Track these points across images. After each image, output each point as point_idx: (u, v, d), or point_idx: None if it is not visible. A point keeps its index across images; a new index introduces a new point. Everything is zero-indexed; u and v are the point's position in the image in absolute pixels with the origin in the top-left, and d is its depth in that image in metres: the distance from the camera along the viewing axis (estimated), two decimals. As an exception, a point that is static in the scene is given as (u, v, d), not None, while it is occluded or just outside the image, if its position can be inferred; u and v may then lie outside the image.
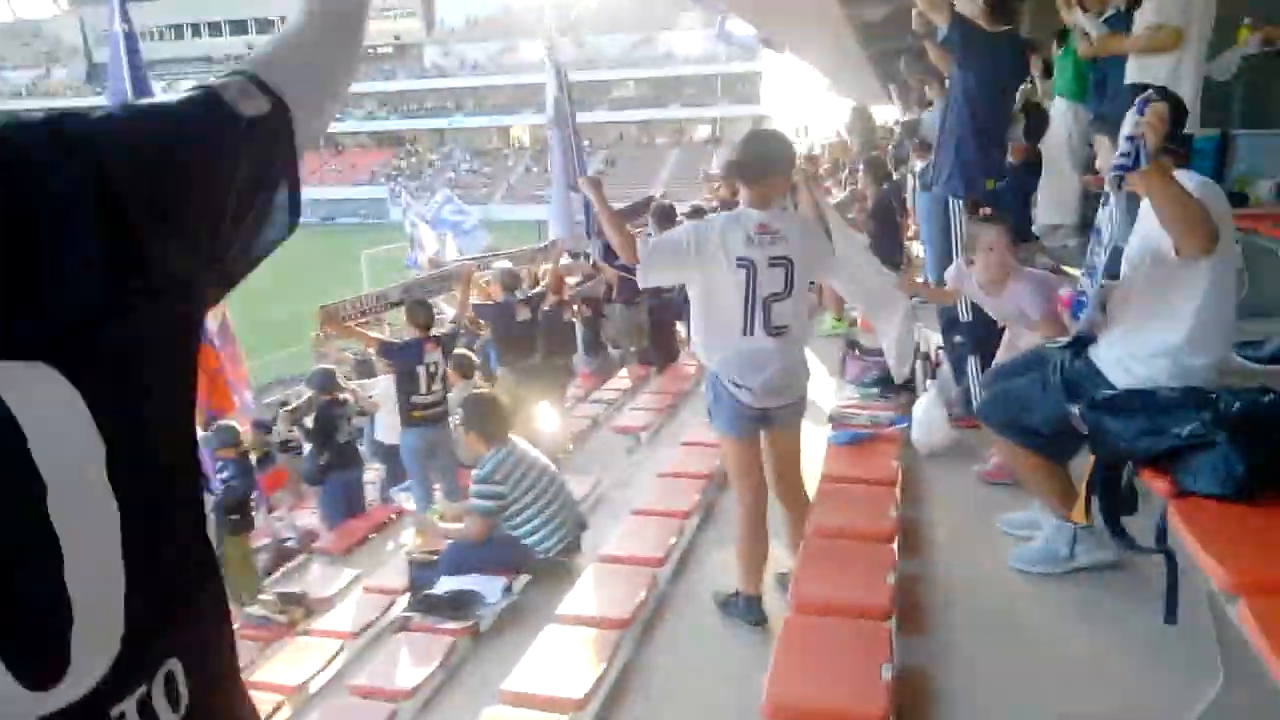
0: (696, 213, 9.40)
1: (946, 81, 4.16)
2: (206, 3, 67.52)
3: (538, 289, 7.04)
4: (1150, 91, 2.16)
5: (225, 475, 5.87)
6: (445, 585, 3.93)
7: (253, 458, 6.74)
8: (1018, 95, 4.11)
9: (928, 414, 3.69)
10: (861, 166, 7.56)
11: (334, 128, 63.45)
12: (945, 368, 4.14)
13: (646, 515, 3.92)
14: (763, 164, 2.81)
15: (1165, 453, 2.13)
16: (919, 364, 4.26)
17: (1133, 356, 2.43)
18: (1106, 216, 2.45)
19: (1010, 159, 4.05)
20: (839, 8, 10.31)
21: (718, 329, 2.83)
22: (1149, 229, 2.37)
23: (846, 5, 10.20)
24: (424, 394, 6.09)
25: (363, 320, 6.43)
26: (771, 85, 53.73)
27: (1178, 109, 2.46)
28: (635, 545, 3.62)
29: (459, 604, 3.74)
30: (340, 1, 0.98)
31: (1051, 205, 6.35)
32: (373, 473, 8.20)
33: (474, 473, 4.11)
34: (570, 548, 4.15)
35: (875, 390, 4.25)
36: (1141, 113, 2.10)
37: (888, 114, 22.60)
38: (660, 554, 3.49)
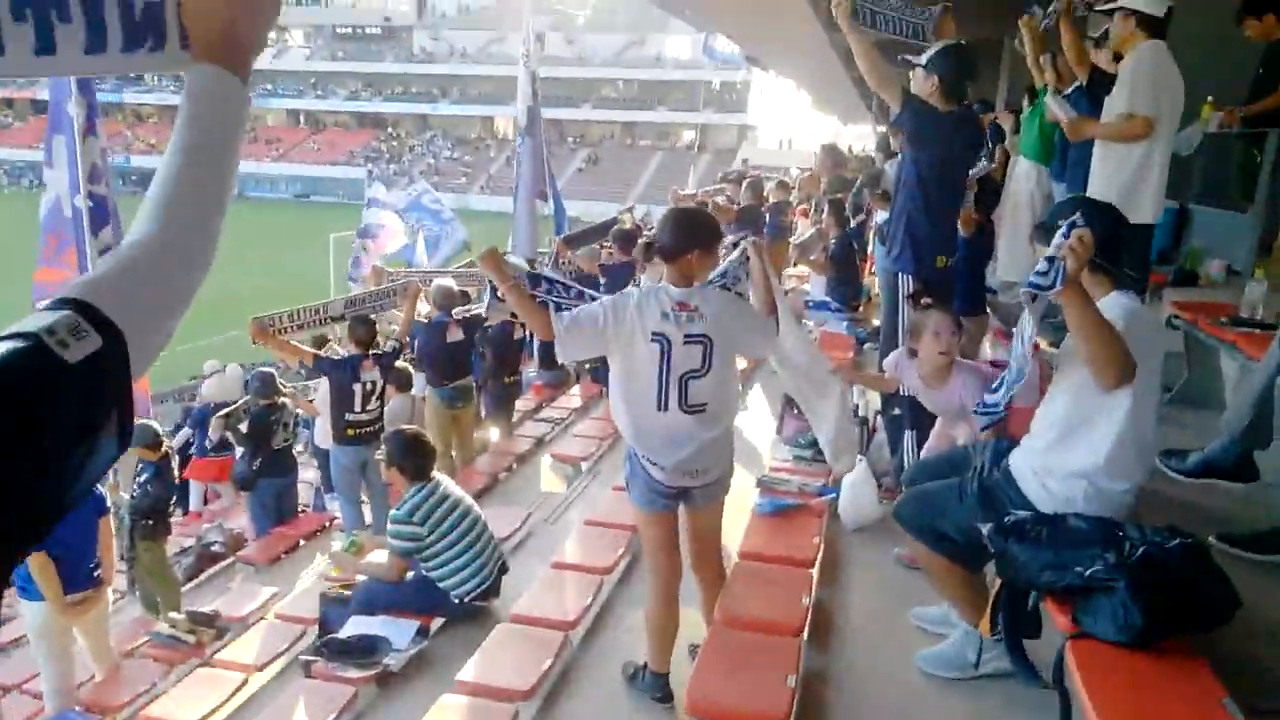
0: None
1: None
2: None
3: (476, 309, 6.90)
4: (1079, 216, 2.10)
5: (142, 478, 5.69)
6: (353, 627, 3.81)
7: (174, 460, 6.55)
8: (973, 171, 4.07)
9: (856, 488, 3.63)
10: (826, 206, 7.52)
11: (315, 105, 62.93)
12: (880, 435, 4.09)
13: (566, 569, 3.82)
14: (685, 242, 2.74)
15: (1067, 588, 2.08)
16: (859, 430, 4.20)
17: (1050, 472, 2.38)
18: (1023, 325, 2.40)
19: (960, 231, 4.00)
20: (822, 32, 10.32)
21: (633, 403, 2.74)
22: (1069, 354, 2.32)
23: (830, 31, 10.22)
24: (358, 412, 5.95)
25: (299, 333, 6.23)
26: (759, 96, 53.96)
27: (1116, 228, 2.42)
28: (549, 604, 3.52)
29: (365, 650, 3.62)
30: (191, 219, 0.91)
31: (1010, 262, 6.34)
32: (313, 472, 8.06)
33: (392, 512, 3.99)
34: (489, 592, 4.05)
35: (809, 452, 4.19)
36: (1066, 235, 2.05)
37: (867, 133, 22.88)
38: (573, 616, 3.40)
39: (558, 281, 3.32)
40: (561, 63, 58.06)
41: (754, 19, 11.83)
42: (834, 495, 3.75)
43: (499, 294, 2.96)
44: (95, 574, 4.22)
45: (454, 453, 6.93)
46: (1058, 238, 2.07)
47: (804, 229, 9.31)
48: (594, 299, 3.04)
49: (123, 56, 0.97)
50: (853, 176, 9.60)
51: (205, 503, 8.72)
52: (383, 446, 5.95)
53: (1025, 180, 6.28)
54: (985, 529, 2.28)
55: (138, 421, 6.10)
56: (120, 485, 6.10)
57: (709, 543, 2.97)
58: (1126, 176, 3.84)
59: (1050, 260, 2.06)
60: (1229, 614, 1.99)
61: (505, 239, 14.67)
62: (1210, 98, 5.65)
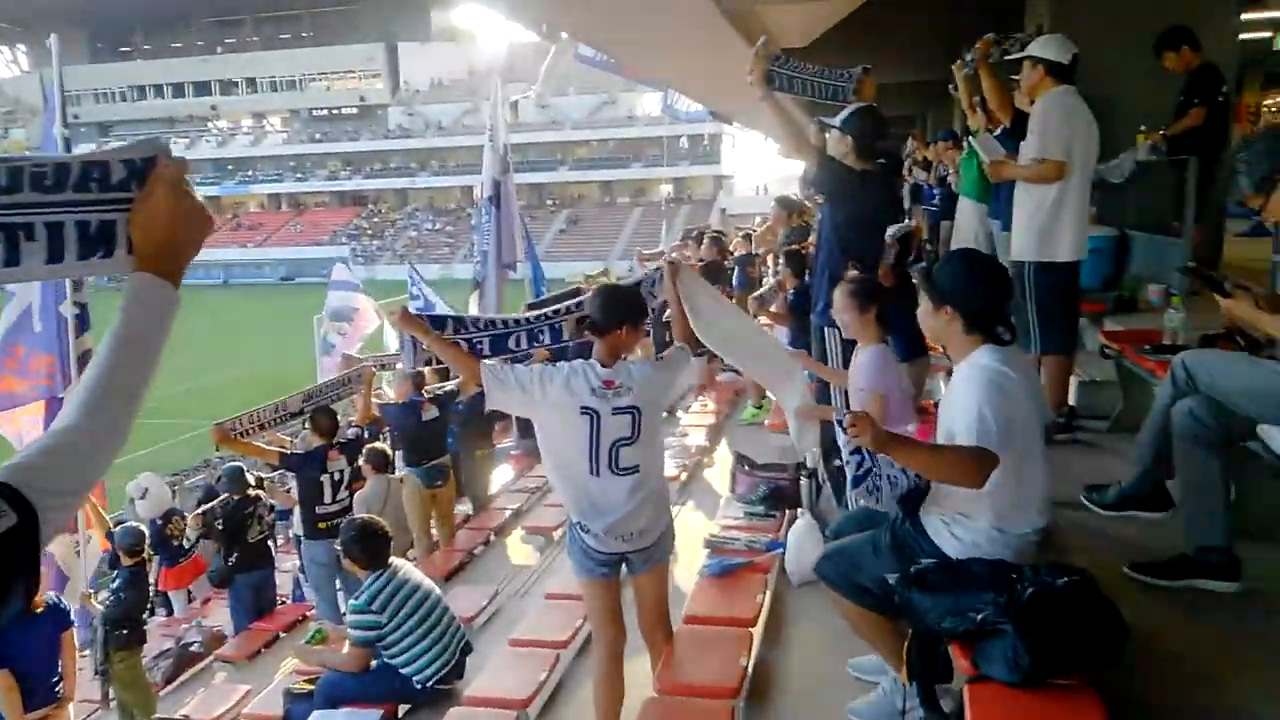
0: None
1: None
2: (170, 65, 67.74)
3: (448, 385, 6.99)
4: (845, 411, 2.28)
5: (115, 585, 5.69)
6: (316, 721, 3.82)
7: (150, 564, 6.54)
8: (892, 229, 4.19)
9: (800, 541, 3.67)
10: (782, 258, 7.67)
11: (296, 187, 63.77)
12: (827, 488, 4.14)
13: (523, 646, 3.84)
14: (611, 319, 2.85)
15: (966, 633, 2.13)
16: (805, 481, 4.26)
17: (955, 521, 2.44)
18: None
19: (882, 282, 4.11)
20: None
21: (566, 470, 2.83)
22: (944, 414, 2.41)
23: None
24: (328, 503, 6.00)
25: (262, 432, 6.28)
26: (731, 147, 54.92)
27: (986, 299, 2.45)
28: (504, 683, 3.53)
29: (324, 745, 3.63)
30: (113, 412, 1.04)
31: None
32: (293, 561, 8.02)
33: (350, 602, 4.02)
34: (452, 675, 4.05)
35: (761, 508, 4.24)
36: (845, 430, 2.16)
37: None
38: (527, 694, 3.41)
39: (464, 318, 3.42)
40: (536, 128, 59.20)
41: (705, 80, 12.14)
42: (781, 550, 3.79)
43: (421, 345, 3.07)
44: (57, 690, 4.21)
45: (434, 530, 6.95)
46: (841, 437, 2.25)
47: (767, 281, 9.46)
48: (502, 323, 3.29)
49: (79, 264, 1.13)
50: (811, 225, 9.80)
51: (191, 600, 8.69)
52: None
53: (969, 219, 6.45)
54: (891, 579, 2.34)
55: (123, 526, 6.16)
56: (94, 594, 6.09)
57: (654, 609, 3.02)
58: (1043, 217, 3.96)
59: (855, 452, 2.28)
60: (1119, 648, 2.05)
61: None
62: (1143, 127, 5.85)
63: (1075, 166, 3.87)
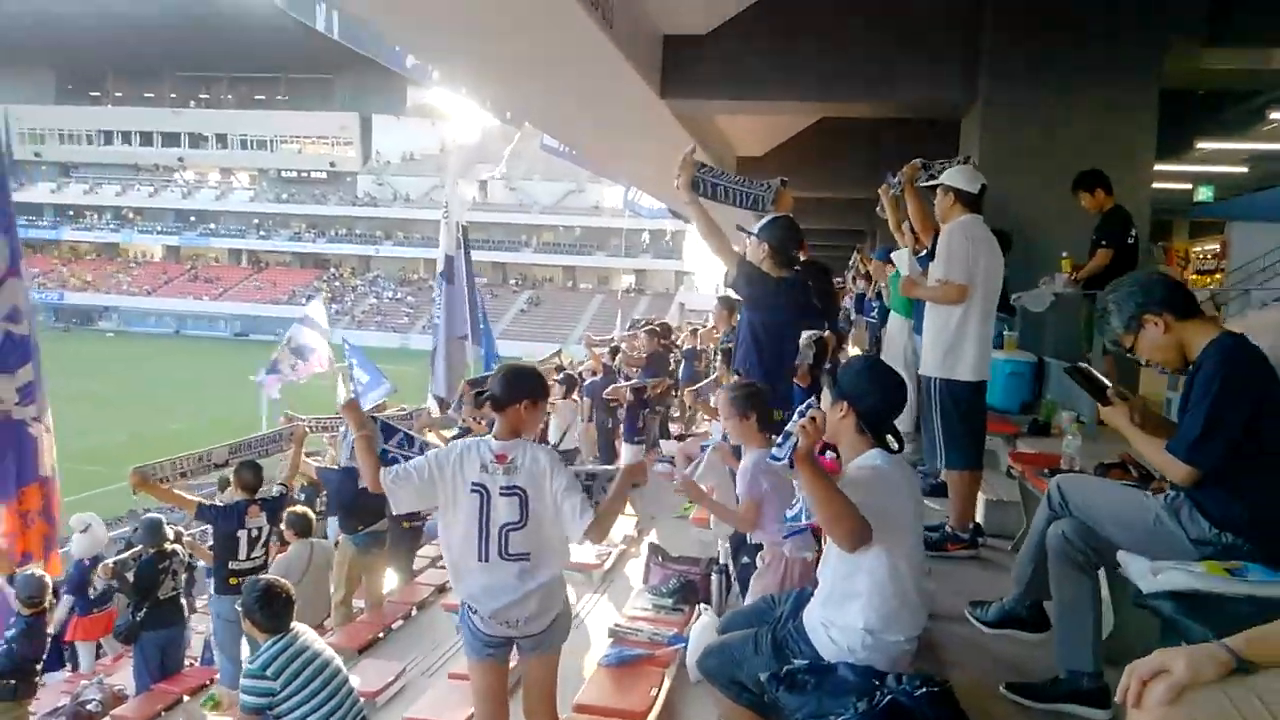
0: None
1: None
2: (141, 113, 67.86)
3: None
4: (814, 400, 2.39)
5: (10, 634, 5.50)
6: (196, 791, 3.71)
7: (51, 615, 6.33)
8: (807, 334, 4.38)
9: (701, 637, 3.71)
10: (720, 355, 7.89)
11: (258, 244, 63.54)
12: (736, 586, 4.22)
13: (416, 725, 3.80)
14: (512, 394, 2.90)
15: (826, 737, 2.21)
16: (715, 578, 4.34)
17: (832, 624, 2.54)
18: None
19: (798, 383, 4.28)
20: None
21: (456, 552, 2.86)
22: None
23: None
24: (243, 559, 5.90)
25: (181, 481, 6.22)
26: (694, 242, 56.14)
27: (881, 403, 2.63)
28: (392, 762, 3.49)
29: (201, 816, 3.52)
30: None
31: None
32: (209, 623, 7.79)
33: (245, 666, 3.96)
34: (345, 750, 3.98)
35: (670, 601, 4.30)
36: (802, 415, 2.30)
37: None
38: (413, 774, 3.38)
39: (408, 436, 3.48)
40: (504, 208, 60.12)
41: (661, 181, 12.60)
42: (684, 645, 3.84)
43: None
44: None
45: (357, 599, 6.83)
46: (795, 416, 2.32)
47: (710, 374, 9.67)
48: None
49: None
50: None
51: (98, 658, 8.35)
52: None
53: (899, 334, 6.73)
54: (763, 676, 2.42)
55: (23, 572, 5.97)
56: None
57: (538, 694, 3.03)
58: (948, 337, 4.18)
59: (787, 435, 2.31)
60: (971, 760, 2.14)
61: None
62: (1064, 254, 6.23)
63: (978, 290, 4.10)
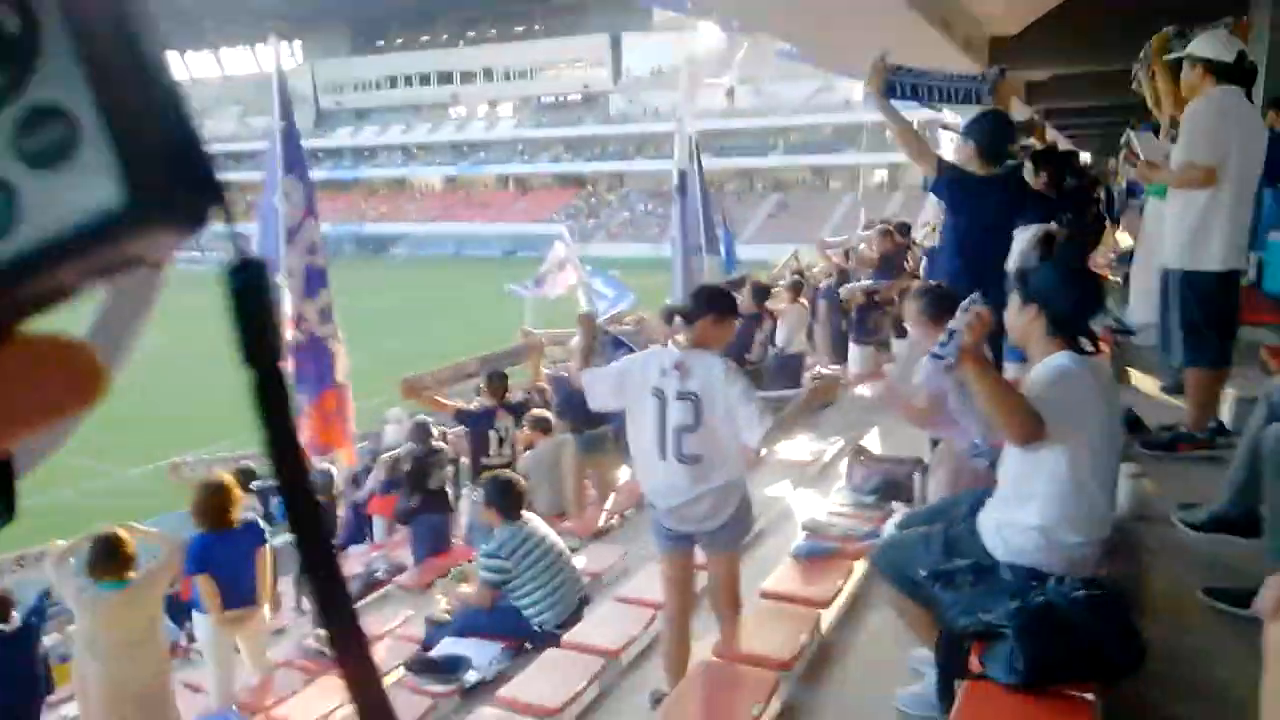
0: (796, 287, 9.57)
1: None
2: (418, 57, 73.53)
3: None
4: (977, 295, 2.27)
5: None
6: (444, 647, 4.34)
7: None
8: (1032, 232, 4.07)
9: (892, 533, 3.72)
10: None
11: (522, 169, 67.38)
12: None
13: (627, 603, 4.15)
14: (697, 310, 3.04)
15: (978, 633, 2.20)
16: (918, 477, 4.27)
17: (1008, 525, 2.47)
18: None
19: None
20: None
21: (639, 451, 3.08)
22: None
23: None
24: (491, 456, 6.58)
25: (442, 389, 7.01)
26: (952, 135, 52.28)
27: (1075, 302, 2.45)
28: (601, 633, 3.86)
29: (448, 668, 4.11)
30: None
31: (1144, 302, 6.12)
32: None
33: (483, 546, 4.50)
34: (569, 621, 4.42)
35: (871, 499, 4.30)
36: (965, 310, 2.21)
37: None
38: (618, 645, 3.72)
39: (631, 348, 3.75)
40: (750, 115, 59.18)
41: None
42: (877, 540, 3.85)
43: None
44: (253, 595, 4.98)
45: (593, 491, 7.44)
46: (959, 312, 2.24)
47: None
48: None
49: None
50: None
51: (389, 534, 9.73)
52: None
53: (1155, 221, 6.04)
54: (922, 574, 2.42)
55: (316, 468, 7.11)
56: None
57: (723, 588, 3.22)
58: (1191, 224, 3.75)
59: (951, 333, 2.23)
60: (1132, 665, 2.05)
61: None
62: None
63: (1229, 172, 3.62)
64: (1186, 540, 2.90)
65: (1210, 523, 2.87)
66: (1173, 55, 4.13)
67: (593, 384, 3.13)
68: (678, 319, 3.29)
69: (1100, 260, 10.09)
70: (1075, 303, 2.46)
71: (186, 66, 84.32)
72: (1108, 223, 10.32)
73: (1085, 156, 21.72)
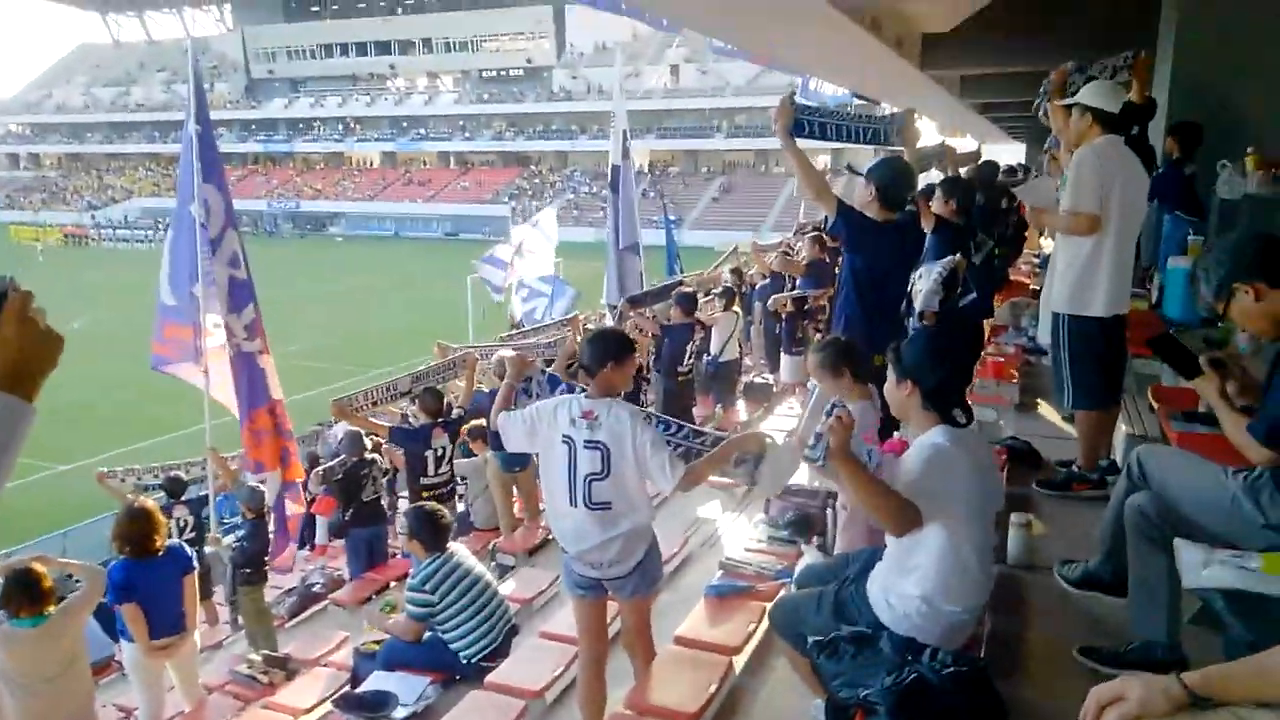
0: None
1: None
2: (354, 25, 71.64)
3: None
4: (839, 400, 2.43)
5: (241, 533, 6.57)
6: (373, 682, 4.41)
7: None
8: (939, 268, 4.23)
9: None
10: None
11: (464, 146, 66.34)
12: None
13: (550, 640, 4.27)
14: (596, 361, 3.13)
15: (858, 706, 2.37)
16: (830, 513, 4.44)
17: (891, 591, 2.64)
18: None
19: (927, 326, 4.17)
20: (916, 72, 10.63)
21: (551, 497, 3.21)
22: (889, 479, 2.59)
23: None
24: (431, 475, 6.64)
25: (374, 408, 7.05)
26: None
27: (943, 374, 2.61)
28: (522, 673, 3.98)
29: (375, 704, 4.20)
30: None
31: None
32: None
33: (408, 580, 4.58)
34: (497, 653, 4.53)
35: (785, 533, 4.47)
36: (828, 414, 2.36)
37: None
38: (539, 685, 3.85)
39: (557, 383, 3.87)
40: (696, 94, 59.14)
41: (836, 71, 12.02)
42: (788, 580, 4.02)
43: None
44: (180, 621, 4.99)
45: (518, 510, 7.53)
46: (824, 417, 2.39)
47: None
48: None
49: None
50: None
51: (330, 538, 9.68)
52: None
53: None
54: (810, 640, 2.59)
55: (248, 485, 7.08)
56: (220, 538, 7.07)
57: (632, 632, 3.38)
58: (1078, 269, 3.92)
59: (818, 436, 2.39)
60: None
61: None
62: (1251, 148, 5.51)
63: (1112, 220, 3.81)
64: (1068, 595, 3.11)
65: (1084, 581, 3.08)
66: (1065, 101, 4.32)
67: (506, 427, 3.23)
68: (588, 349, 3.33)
69: (1023, 268, 10.43)
70: (945, 376, 2.61)
71: (109, 29, 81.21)
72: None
73: (1019, 154, 22.22)
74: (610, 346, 3.20)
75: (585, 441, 3.05)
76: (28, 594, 4.23)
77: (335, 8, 73.90)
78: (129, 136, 74.36)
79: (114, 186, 70.14)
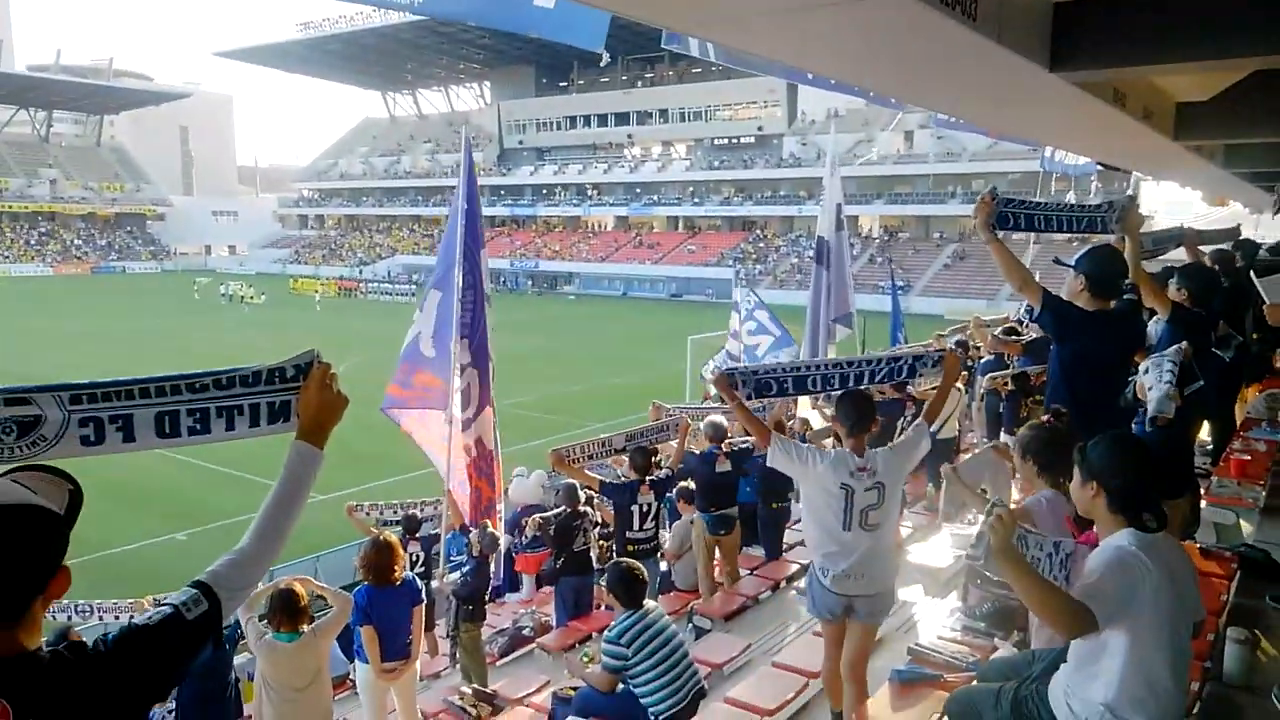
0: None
1: None
2: (597, 98, 76.50)
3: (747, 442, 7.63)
4: (999, 498, 2.42)
5: (466, 569, 7.16)
6: (566, 725, 4.70)
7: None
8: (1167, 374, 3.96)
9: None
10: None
11: (692, 211, 68.45)
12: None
13: (735, 707, 4.37)
14: (855, 422, 3.75)
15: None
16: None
17: (1074, 695, 2.57)
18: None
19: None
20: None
21: (823, 523, 3.74)
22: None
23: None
24: (637, 531, 6.97)
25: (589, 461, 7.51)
26: (1151, 186, 48.91)
27: (1136, 479, 2.53)
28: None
29: (568, 748, 4.48)
30: (270, 541, 1.77)
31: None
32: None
33: (605, 633, 4.85)
34: (684, 713, 4.70)
35: (982, 625, 4.32)
36: (988, 515, 2.37)
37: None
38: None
39: (750, 370, 4.21)
40: (931, 160, 57.85)
41: (1078, 143, 11.47)
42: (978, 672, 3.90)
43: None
44: (407, 648, 5.56)
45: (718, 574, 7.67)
46: (984, 516, 2.41)
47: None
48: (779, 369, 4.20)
49: (269, 426, 1.91)
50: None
51: (535, 590, 10.30)
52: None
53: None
54: (983, 740, 2.57)
55: (480, 528, 7.73)
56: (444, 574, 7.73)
57: (855, 653, 3.90)
58: None
59: (980, 536, 2.41)
60: None
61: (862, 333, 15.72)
62: None
63: None
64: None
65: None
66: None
67: (782, 451, 3.82)
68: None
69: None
70: (1131, 480, 2.50)
71: (387, 105, 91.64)
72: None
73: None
74: (865, 416, 3.83)
75: (865, 487, 3.69)
76: (288, 611, 4.92)
77: (581, 83, 79.37)
78: (397, 200, 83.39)
79: (381, 245, 78.59)
